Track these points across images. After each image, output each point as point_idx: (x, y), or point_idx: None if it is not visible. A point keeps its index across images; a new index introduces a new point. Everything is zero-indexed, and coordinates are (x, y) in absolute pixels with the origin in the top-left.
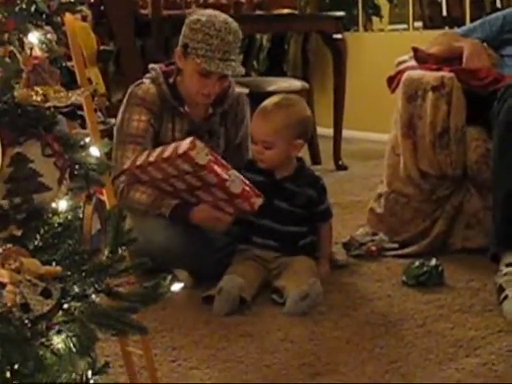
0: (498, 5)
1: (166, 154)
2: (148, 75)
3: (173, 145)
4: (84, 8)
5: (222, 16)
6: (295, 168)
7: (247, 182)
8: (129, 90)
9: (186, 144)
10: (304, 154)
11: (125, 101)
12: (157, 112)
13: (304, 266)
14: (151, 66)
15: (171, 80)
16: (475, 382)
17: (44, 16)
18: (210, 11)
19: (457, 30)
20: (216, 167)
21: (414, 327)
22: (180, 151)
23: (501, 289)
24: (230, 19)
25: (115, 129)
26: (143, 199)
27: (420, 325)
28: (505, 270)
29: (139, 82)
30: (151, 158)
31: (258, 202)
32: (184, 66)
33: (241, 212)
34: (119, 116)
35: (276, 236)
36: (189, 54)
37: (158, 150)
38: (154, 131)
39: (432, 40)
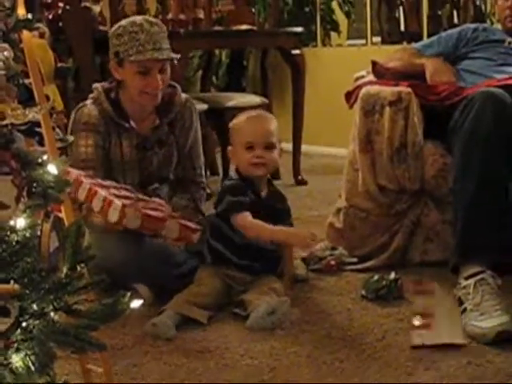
0: (455, 20)
1: (96, 208)
2: (90, 95)
3: (103, 196)
4: (41, 25)
5: (141, 16)
6: (268, 184)
7: (183, 221)
8: (72, 116)
9: (115, 212)
10: None
11: (70, 126)
12: (102, 132)
13: (274, 285)
14: (94, 85)
15: (112, 94)
16: None
17: (1, 33)
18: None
19: (414, 44)
20: (150, 223)
21: (374, 341)
22: (112, 219)
23: (459, 302)
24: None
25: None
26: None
27: (380, 338)
28: (463, 283)
29: (81, 105)
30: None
31: (196, 237)
32: (122, 75)
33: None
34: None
35: (265, 256)
36: (122, 59)
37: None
38: (104, 151)
39: (390, 54)
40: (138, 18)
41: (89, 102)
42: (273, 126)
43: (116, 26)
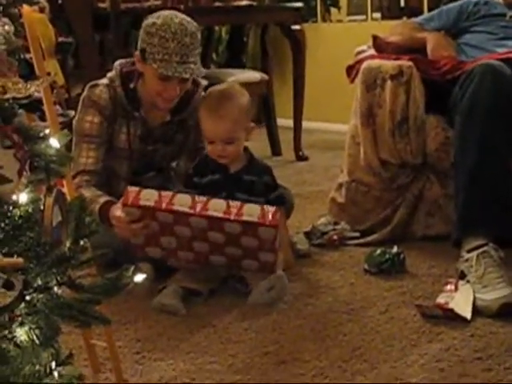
0: None
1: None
2: (109, 74)
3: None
4: (42, 0)
5: (179, 17)
6: (246, 158)
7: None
8: (84, 91)
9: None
10: (264, 145)
11: (80, 101)
12: (109, 116)
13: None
14: (117, 62)
15: (132, 84)
16: (438, 366)
17: (1, 7)
18: (166, 13)
19: (415, 19)
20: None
21: (377, 314)
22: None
23: (462, 275)
24: (188, 20)
25: (73, 127)
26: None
27: (383, 312)
28: (466, 255)
29: (94, 83)
30: (172, 206)
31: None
32: (144, 70)
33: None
34: (76, 116)
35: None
36: (147, 58)
37: (174, 197)
38: (107, 133)
39: (391, 29)
40: (174, 23)
41: (104, 81)
42: (234, 117)
43: (151, 20)
